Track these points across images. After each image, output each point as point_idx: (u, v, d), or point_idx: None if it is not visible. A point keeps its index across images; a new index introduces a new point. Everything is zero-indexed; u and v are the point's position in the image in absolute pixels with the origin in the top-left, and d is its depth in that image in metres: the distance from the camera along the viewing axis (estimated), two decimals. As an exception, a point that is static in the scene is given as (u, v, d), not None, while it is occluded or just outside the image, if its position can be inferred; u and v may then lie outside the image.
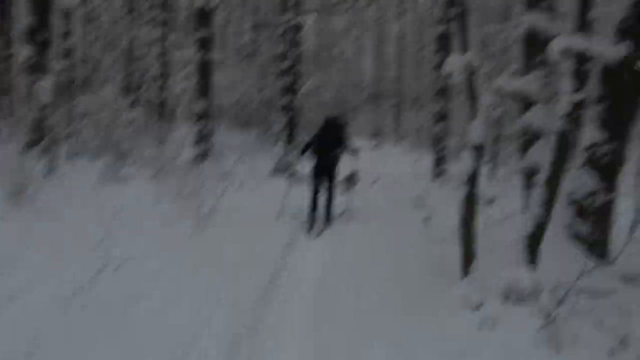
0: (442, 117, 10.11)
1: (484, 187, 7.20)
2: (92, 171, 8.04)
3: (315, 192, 6.73)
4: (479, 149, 4.02)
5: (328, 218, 6.76)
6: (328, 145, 6.60)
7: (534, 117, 4.92)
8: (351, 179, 10.45)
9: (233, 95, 27.21)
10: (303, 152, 6.97)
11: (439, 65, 9.92)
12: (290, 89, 16.24)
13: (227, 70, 24.97)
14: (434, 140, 10.35)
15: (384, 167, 13.86)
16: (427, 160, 16.99)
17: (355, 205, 7.58)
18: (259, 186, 9.02)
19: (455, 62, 4.38)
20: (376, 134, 26.26)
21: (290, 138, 16.11)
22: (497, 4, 14.81)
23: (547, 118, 4.86)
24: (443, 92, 10.07)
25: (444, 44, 9.86)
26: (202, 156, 10.01)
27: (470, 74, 4.23)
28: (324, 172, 6.72)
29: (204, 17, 9.88)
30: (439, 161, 10.25)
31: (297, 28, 16.15)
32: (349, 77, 41.44)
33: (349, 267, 4.69)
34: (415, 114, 23.11)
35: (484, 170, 10.88)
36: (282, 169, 11.06)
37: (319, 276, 4.47)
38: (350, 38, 39.19)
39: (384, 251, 5.18)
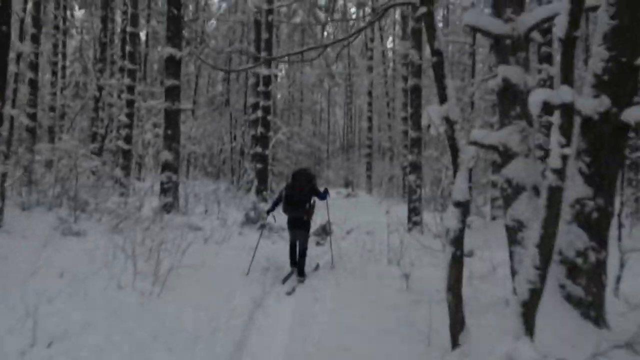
0: (415, 167, 9.90)
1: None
2: (47, 223, 7.41)
3: (292, 245, 6.83)
4: (463, 206, 3.68)
5: (300, 272, 6.50)
6: (297, 198, 6.53)
7: (515, 170, 4.67)
8: (324, 230, 10.06)
9: (204, 144, 27.02)
10: (274, 205, 6.97)
11: (412, 117, 9.85)
12: (262, 139, 15.98)
13: (199, 120, 24.82)
14: (408, 190, 10.10)
15: (357, 217, 13.50)
16: (400, 209, 16.92)
17: (330, 258, 7.32)
18: (228, 238, 8.48)
19: (434, 113, 4.13)
20: (348, 184, 26.12)
21: (261, 188, 15.68)
22: (464, 58, 15.19)
23: (527, 171, 4.64)
24: (416, 143, 9.92)
25: (414, 97, 9.84)
26: (168, 207, 9.45)
27: (451, 125, 3.97)
28: (296, 225, 6.71)
29: (172, 65, 9.61)
30: (414, 211, 9.95)
31: (269, 79, 16.09)
32: (321, 128, 41.94)
33: (324, 338, 4.14)
34: (388, 163, 23.15)
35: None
36: (253, 219, 10.57)
37: (289, 353, 3.92)
38: (322, 90, 39.93)
39: (364, 317, 4.67)
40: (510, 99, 4.71)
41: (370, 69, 23.55)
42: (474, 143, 4.33)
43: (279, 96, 23.91)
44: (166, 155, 9.55)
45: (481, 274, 6.10)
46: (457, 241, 3.65)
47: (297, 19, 31.47)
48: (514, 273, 4.49)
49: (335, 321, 4.57)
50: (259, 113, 16.19)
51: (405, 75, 20.44)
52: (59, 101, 16.23)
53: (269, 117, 16.33)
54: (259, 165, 15.96)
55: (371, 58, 23.81)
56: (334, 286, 6.03)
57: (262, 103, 16.09)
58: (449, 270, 3.65)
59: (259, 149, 16.03)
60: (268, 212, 7.10)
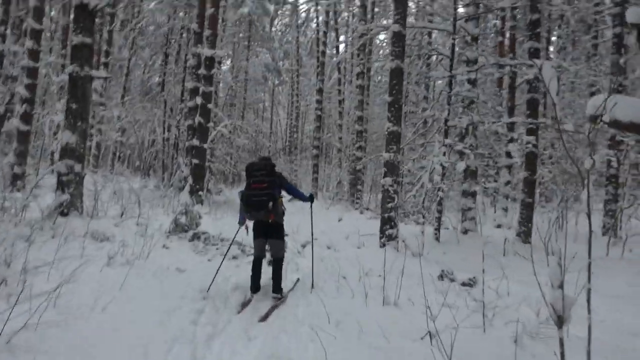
0: (392, 167, 7.88)
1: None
2: None
3: (256, 259, 5.18)
4: None
5: (276, 288, 5.01)
6: (256, 197, 4.94)
7: None
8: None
9: (135, 136, 23.70)
10: (243, 212, 5.25)
11: (391, 106, 7.84)
12: (200, 130, 13.42)
13: (129, 109, 21.61)
14: (383, 195, 8.09)
15: (308, 226, 11.34)
16: (353, 217, 14.96)
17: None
18: (146, 255, 6.01)
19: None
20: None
21: (196, 187, 13.09)
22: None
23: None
24: (395, 138, 7.91)
25: (395, 82, 7.83)
26: (66, 207, 6.79)
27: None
28: (262, 232, 5.19)
29: (83, 17, 6.98)
30: (389, 222, 7.93)
31: (211, 61, 13.56)
32: (263, 128, 39.45)
33: None
34: (337, 166, 21.24)
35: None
36: (184, 226, 8.10)
37: None
38: (266, 88, 37.48)
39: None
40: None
41: (322, 65, 21.52)
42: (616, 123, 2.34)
43: (220, 85, 21.23)
44: (68, 137, 6.89)
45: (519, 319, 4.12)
46: None
47: (245, 9, 28.94)
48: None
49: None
50: (198, 100, 13.62)
51: (361, 71, 18.59)
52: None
53: (210, 106, 13.78)
54: (195, 161, 13.37)
55: (323, 54, 21.81)
56: (318, 315, 3.84)
57: (202, 88, 13.55)
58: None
59: (195, 142, 13.44)
60: (240, 223, 5.35)
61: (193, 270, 5.75)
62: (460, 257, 8.12)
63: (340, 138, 21.25)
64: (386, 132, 7.90)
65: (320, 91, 21.41)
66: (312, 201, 5.62)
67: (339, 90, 22.01)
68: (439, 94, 10.63)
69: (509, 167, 12.54)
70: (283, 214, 5.22)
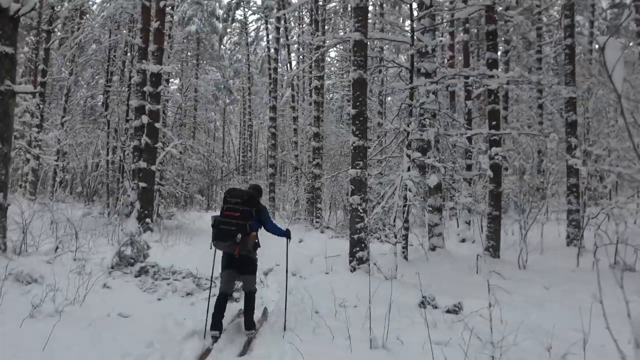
0: (359, 185, 7.26)
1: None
2: None
3: (221, 294, 4.55)
4: None
5: (249, 324, 4.53)
6: (226, 227, 4.43)
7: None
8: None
9: (78, 160, 22.02)
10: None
11: (355, 119, 7.24)
12: (148, 151, 12.37)
13: (69, 131, 20.04)
14: (351, 215, 7.45)
15: (267, 248, 10.52)
16: (314, 238, 14.19)
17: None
18: (82, 298, 5.02)
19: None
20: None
21: (145, 213, 11.98)
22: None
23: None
24: (360, 152, 7.31)
25: (358, 93, 7.26)
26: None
27: None
28: (229, 265, 4.62)
29: (2, 20, 5.99)
30: (358, 244, 7.26)
31: (158, 78, 12.61)
32: (215, 148, 38.18)
33: None
34: (293, 185, 20.53)
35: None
36: (130, 260, 7.10)
37: None
38: (217, 108, 36.38)
39: None
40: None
41: (274, 82, 20.87)
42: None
43: (169, 104, 20.09)
44: (-15, 163, 5.81)
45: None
46: None
47: (193, 27, 28.02)
48: None
49: None
50: (144, 119, 12.59)
51: (316, 86, 18.12)
52: None
53: (158, 125, 12.77)
54: (142, 184, 12.27)
55: (275, 70, 21.19)
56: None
57: (149, 106, 12.55)
58: None
59: (143, 164, 12.36)
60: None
61: (139, 315, 4.83)
62: (435, 278, 7.58)
63: (296, 156, 20.58)
64: (351, 147, 7.30)
65: (273, 108, 20.73)
66: (288, 237, 5.02)
67: (293, 107, 21.43)
68: (399, 107, 10.21)
69: (469, 180, 12.29)
70: (255, 247, 4.64)
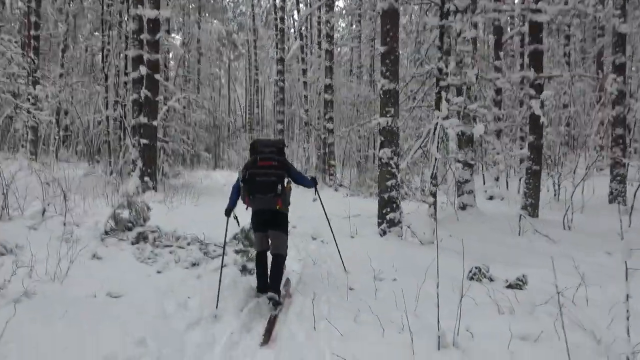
0: (390, 135, 6.11)
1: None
2: None
3: (260, 252, 4.25)
4: None
5: (275, 288, 3.89)
6: (263, 179, 3.97)
7: None
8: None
9: (79, 118, 20.88)
10: (234, 199, 4.23)
11: (385, 57, 6.01)
12: (149, 105, 11.20)
13: (66, 86, 18.79)
14: (381, 171, 6.35)
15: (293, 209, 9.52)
16: (326, 196, 13.09)
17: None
18: (64, 273, 4.05)
19: None
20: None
21: (147, 172, 10.96)
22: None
23: None
24: (391, 98, 6.11)
25: (389, 26, 5.99)
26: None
27: None
28: (265, 222, 4.17)
29: None
30: (389, 204, 6.19)
31: (156, 24, 11.27)
32: (221, 106, 36.77)
33: None
34: (304, 141, 19.35)
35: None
36: (127, 224, 6.10)
37: None
38: (222, 64, 34.74)
39: None
40: None
41: (281, 32, 19.30)
42: None
43: (171, 56, 18.69)
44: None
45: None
46: None
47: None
48: None
49: None
50: (143, 70, 11.34)
51: (327, 33, 16.62)
52: None
53: (157, 76, 11.52)
54: (143, 141, 11.18)
55: (282, 20, 19.56)
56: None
57: (147, 56, 11.28)
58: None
59: (143, 119, 11.23)
60: (227, 212, 4.26)
61: (134, 294, 3.86)
62: (474, 242, 6.55)
63: (306, 110, 19.29)
64: (380, 91, 6.10)
65: (281, 60, 19.26)
66: (315, 185, 4.60)
67: (302, 59, 19.95)
68: (426, 49, 8.90)
69: (499, 133, 11.10)
70: (289, 201, 4.20)
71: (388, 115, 6.00)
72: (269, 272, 4.07)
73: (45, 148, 21.08)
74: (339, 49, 29.87)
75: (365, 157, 19.10)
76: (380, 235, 6.09)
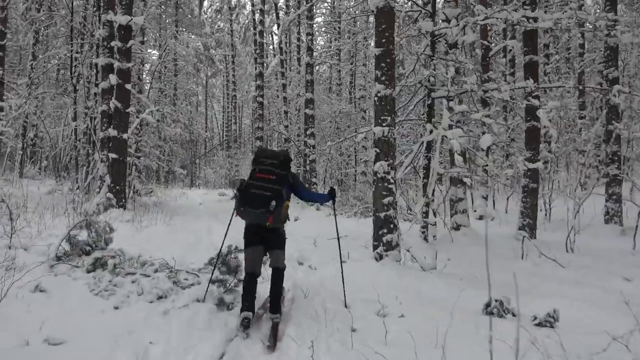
0: (386, 147, 5.43)
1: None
2: None
3: (249, 275, 3.69)
4: None
5: (274, 307, 3.60)
6: (260, 192, 3.62)
7: None
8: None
9: (47, 133, 19.67)
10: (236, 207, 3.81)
11: (379, 58, 5.38)
12: (118, 117, 10.31)
13: (32, 99, 17.65)
14: (375, 189, 5.65)
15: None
16: (308, 216, 12.35)
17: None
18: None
19: None
20: (234, 184, 20.92)
21: (116, 189, 10.01)
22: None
23: None
24: (387, 105, 5.46)
25: (384, 26, 5.39)
26: None
27: None
28: (258, 239, 3.75)
29: None
30: (386, 225, 5.46)
31: (127, 31, 10.49)
32: (197, 124, 35.75)
33: None
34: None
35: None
36: (84, 247, 5.20)
37: None
38: (199, 80, 33.87)
39: None
40: None
41: (260, 47, 18.69)
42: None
43: (146, 67, 17.79)
44: None
45: None
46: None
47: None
48: None
49: None
50: (113, 79, 10.50)
51: (309, 46, 16.09)
52: None
53: (129, 87, 10.68)
54: (113, 155, 10.25)
55: (261, 34, 18.97)
56: None
57: (117, 65, 10.45)
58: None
59: (112, 132, 10.33)
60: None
61: (78, 341, 3.02)
62: (476, 266, 5.88)
63: (286, 126, 18.61)
64: (375, 98, 5.45)
65: (260, 75, 18.59)
66: (334, 197, 4.23)
67: (282, 74, 19.33)
68: (415, 60, 8.37)
69: (488, 148, 10.61)
70: (286, 220, 3.82)
71: (384, 125, 5.34)
72: (269, 289, 3.73)
73: (11, 164, 19.74)
74: (317, 67, 29.51)
75: (346, 175, 18.50)
76: (377, 259, 5.36)
